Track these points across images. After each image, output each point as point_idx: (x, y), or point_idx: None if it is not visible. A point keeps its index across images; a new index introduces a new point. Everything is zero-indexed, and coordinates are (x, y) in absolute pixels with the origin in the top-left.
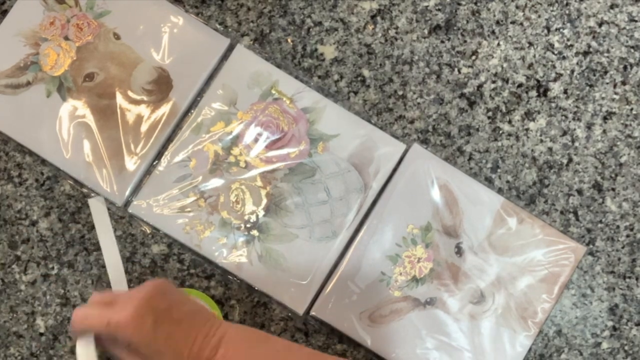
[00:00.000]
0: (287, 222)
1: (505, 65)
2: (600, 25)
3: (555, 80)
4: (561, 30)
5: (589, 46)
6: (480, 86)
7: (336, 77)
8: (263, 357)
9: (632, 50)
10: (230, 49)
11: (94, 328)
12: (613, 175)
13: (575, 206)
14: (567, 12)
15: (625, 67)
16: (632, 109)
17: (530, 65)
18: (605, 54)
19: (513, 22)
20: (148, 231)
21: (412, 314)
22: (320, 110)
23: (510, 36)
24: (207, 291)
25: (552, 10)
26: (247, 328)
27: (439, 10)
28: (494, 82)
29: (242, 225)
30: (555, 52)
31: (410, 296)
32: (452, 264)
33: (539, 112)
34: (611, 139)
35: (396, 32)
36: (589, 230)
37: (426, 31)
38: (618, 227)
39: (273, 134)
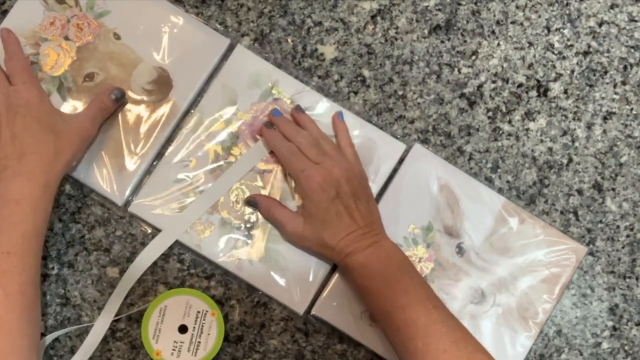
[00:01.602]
0: None
1: (505, 65)
2: (600, 25)
3: (555, 80)
4: (561, 30)
5: (589, 46)
6: (480, 86)
7: (336, 77)
8: (392, 294)
9: (632, 50)
10: (230, 49)
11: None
12: (613, 175)
13: (575, 206)
14: (567, 12)
15: (625, 67)
16: (632, 109)
17: (530, 65)
18: (606, 54)
19: (513, 22)
20: (148, 231)
21: None
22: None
23: (510, 36)
24: (207, 291)
25: (552, 10)
26: (405, 259)
27: (439, 10)
28: (494, 82)
29: (242, 225)
30: (556, 52)
31: None
32: (453, 263)
33: (539, 112)
34: (611, 139)
35: (396, 32)
36: (589, 230)
37: (426, 31)
38: (618, 227)
39: None
